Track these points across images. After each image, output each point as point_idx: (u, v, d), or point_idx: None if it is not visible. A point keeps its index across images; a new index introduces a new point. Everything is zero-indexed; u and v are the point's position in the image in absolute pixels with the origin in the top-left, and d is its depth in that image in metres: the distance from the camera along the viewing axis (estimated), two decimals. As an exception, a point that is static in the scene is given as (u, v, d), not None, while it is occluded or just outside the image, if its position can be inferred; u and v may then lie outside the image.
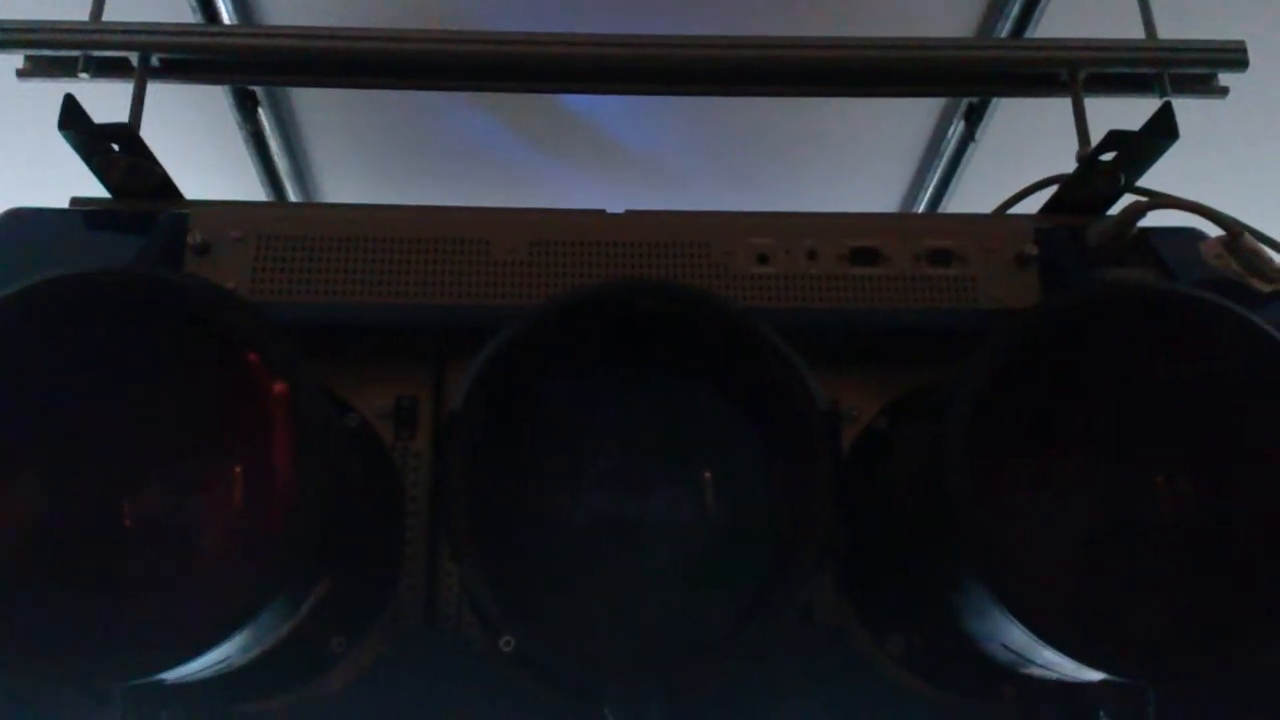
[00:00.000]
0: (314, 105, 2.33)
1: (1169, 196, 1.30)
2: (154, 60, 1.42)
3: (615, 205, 1.30)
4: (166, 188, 1.34)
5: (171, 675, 0.90)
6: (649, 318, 1.04)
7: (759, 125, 2.37)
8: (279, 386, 0.97)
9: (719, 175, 2.58)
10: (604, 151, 2.52)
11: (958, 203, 2.44)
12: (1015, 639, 0.94)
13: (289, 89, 2.25)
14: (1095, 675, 0.94)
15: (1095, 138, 1.34)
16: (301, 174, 2.51)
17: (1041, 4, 1.91)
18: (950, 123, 2.27)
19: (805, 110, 2.28)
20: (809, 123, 2.37)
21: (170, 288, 1.00)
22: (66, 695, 0.98)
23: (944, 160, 2.37)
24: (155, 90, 1.40)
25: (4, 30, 1.40)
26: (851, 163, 2.51)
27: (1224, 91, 1.45)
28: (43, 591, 0.96)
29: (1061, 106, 1.46)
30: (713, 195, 2.61)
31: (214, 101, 2.07)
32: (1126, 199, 1.32)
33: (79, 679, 0.92)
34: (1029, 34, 1.96)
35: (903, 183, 2.58)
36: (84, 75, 1.41)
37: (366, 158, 2.52)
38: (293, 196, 2.49)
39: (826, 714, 1.16)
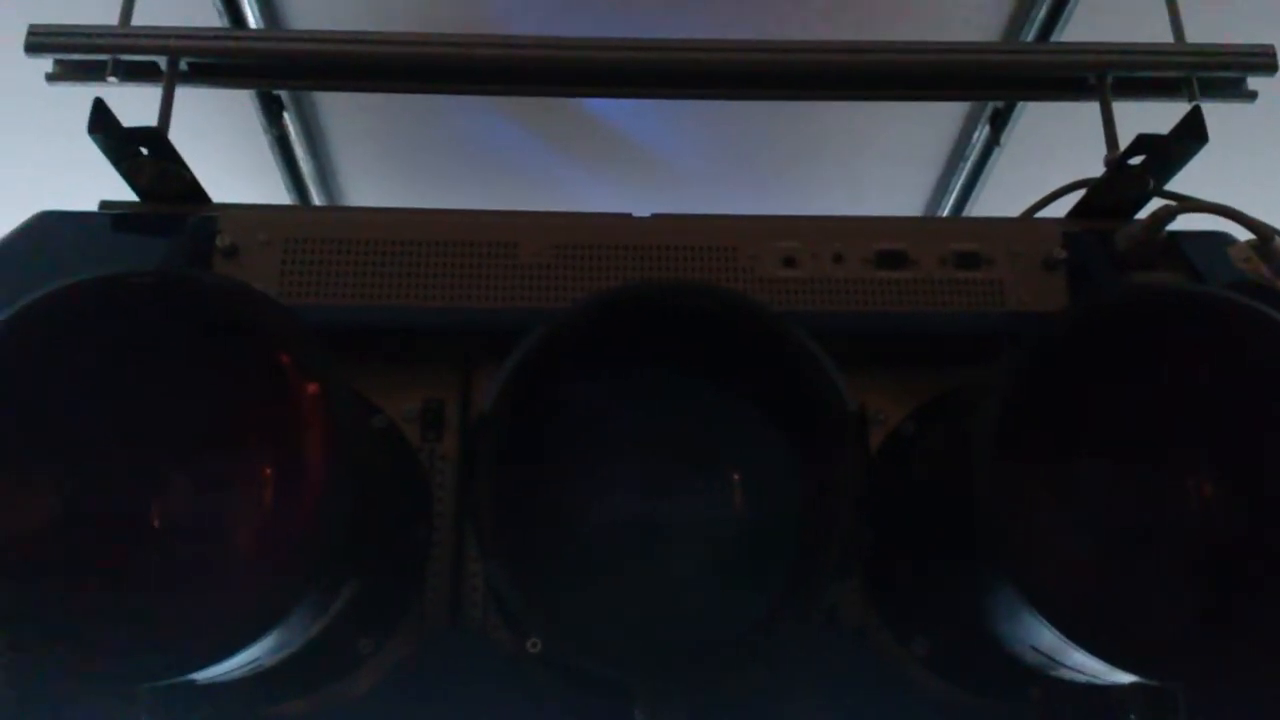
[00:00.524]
0: (338, 109, 2.34)
1: (1198, 200, 1.29)
2: (182, 65, 1.43)
3: (637, 209, 1.30)
4: (194, 191, 1.35)
5: (200, 676, 0.91)
6: (677, 319, 1.04)
7: (782, 129, 2.37)
8: (311, 387, 0.98)
9: (741, 179, 2.58)
10: (626, 156, 2.52)
11: (982, 208, 2.42)
12: (1045, 641, 0.94)
13: (314, 93, 2.26)
14: (1125, 677, 0.93)
15: (1122, 142, 1.33)
16: (325, 178, 2.52)
17: (1068, 7, 1.91)
18: (975, 127, 2.26)
19: (828, 114, 2.28)
20: (832, 127, 2.36)
21: (203, 288, 1.01)
22: (94, 696, 0.99)
23: (969, 165, 2.35)
24: (181, 95, 1.41)
25: (34, 34, 1.41)
26: (875, 167, 2.51)
27: (1253, 95, 1.44)
28: (72, 591, 0.96)
29: (1086, 111, 1.45)
30: (735, 199, 2.61)
31: (239, 106, 2.08)
32: (1155, 203, 1.31)
33: (107, 679, 0.92)
34: (1055, 38, 1.96)
35: (927, 187, 2.57)
36: (113, 79, 1.41)
37: (390, 161, 2.53)
38: (317, 200, 2.50)
39: (849, 715, 1.16)
